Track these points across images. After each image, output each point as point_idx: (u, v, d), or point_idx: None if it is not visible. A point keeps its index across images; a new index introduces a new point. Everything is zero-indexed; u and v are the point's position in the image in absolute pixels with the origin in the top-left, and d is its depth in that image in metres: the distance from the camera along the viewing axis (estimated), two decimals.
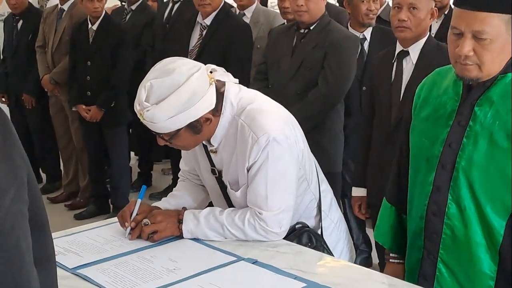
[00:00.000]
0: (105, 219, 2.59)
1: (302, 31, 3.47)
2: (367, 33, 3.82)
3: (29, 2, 5.53)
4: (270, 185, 1.98)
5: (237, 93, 2.04)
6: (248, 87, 2.18)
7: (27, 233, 0.97)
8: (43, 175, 5.86)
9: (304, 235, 2.11)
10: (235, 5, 4.82)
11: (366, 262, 3.97)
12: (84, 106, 4.83)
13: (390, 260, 2.13)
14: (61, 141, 5.45)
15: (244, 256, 1.91)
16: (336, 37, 3.39)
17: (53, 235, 1.14)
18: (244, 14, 4.63)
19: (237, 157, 2.02)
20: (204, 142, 2.08)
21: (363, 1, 3.77)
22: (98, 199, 5.18)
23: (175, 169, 5.19)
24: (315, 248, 2.08)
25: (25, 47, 5.39)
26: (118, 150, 5.04)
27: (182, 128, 1.93)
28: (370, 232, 3.60)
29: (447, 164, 1.84)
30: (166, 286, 1.73)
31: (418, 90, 2.05)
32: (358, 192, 3.05)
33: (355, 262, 2.37)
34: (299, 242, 2.08)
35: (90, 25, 4.83)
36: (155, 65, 1.95)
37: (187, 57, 3.90)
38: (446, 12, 4.40)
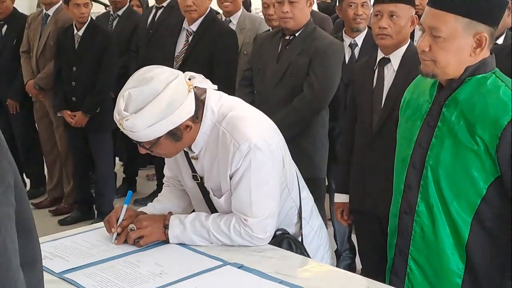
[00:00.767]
0: (89, 224, 2.59)
1: (287, 37, 3.49)
2: (359, 38, 3.83)
3: (13, 7, 5.51)
4: (254, 192, 1.99)
5: (218, 100, 2.05)
6: (234, 93, 2.19)
7: (14, 236, 0.97)
8: (27, 181, 5.83)
9: (284, 241, 2.12)
10: (221, 11, 4.83)
11: (349, 268, 3.98)
12: (69, 112, 4.82)
13: None
14: (46, 146, 5.43)
15: (230, 260, 1.92)
16: (321, 43, 3.41)
17: (39, 240, 1.14)
18: (230, 21, 4.64)
19: (219, 164, 2.03)
20: (185, 149, 2.09)
21: (351, 6, 3.80)
22: (83, 205, 5.16)
23: (160, 175, 5.18)
24: None
25: (9, 52, 5.37)
26: (103, 155, 5.03)
27: (162, 136, 1.93)
28: (354, 238, 3.62)
29: (417, 164, 1.91)
30: None
31: (405, 93, 2.12)
32: (340, 198, 3.07)
33: (338, 268, 2.39)
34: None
35: (75, 31, 4.83)
36: (133, 74, 1.96)
37: (172, 62, 3.92)
38: None
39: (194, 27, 3.99)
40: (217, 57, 3.88)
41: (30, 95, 5.23)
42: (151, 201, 2.32)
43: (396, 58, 2.81)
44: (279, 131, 2.16)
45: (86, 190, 5.21)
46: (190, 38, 4.00)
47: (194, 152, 2.08)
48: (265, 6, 4.37)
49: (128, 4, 5.69)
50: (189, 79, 1.99)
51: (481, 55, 1.82)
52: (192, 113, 1.95)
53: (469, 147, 1.78)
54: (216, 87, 2.08)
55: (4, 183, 0.96)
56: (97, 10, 6.14)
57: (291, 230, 2.21)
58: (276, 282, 1.77)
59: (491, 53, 1.86)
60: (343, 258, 4.07)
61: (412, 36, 4.29)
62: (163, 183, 2.40)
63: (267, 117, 2.16)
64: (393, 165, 2.08)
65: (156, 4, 5.11)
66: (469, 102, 1.81)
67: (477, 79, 1.82)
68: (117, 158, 5.91)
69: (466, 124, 1.80)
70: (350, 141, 3.00)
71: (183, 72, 2.01)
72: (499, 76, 1.84)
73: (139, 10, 6.08)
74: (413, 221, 1.92)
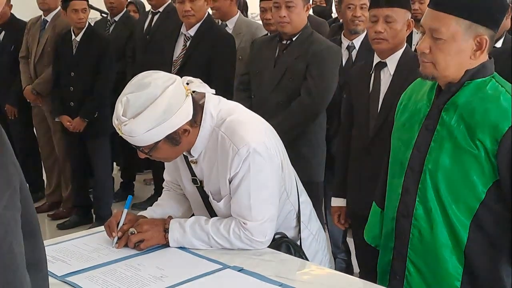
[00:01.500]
0: (87, 229, 2.59)
1: (284, 42, 3.50)
2: (357, 41, 3.81)
3: (11, 13, 5.53)
4: (253, 196, 2.01)
5: (217, 104, 2.07)
6: (232, 97, 2.21)
7: (20, 239, 0.98)
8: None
9: (283, 245, 2.13)
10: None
11: (346, 271, 3.98)
12: (67, 117, 4.83)
13: None
14: (44, 151, 5.44)
15: (230, 264, 1.93)
16: (319, 48, 3.42)
17: None
18: (227, 25, 4.66)
19: (218, 168, 2.05)
20: (184, 153, 2.11)
21: (349, 8, 3.79)
22: (81, 209, 5.17)
23: (157, 179, 5.20)
24: None
25: (7, 58, 5.39)
26: (101, 160, 5.04)
27: (160, 140, 1.95)
28: (350, 241, 3.63)
29: (415, 167, 1.91)
30: None
31: (401, 97, 2.12)
32: (337, 202, 3.07)
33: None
34: None
35: (73, 36, 4.84)
36: (131, 79, 1.98)
37: (170, 67, 3.94)
38: None
39: (192, 32, 4.00)
40: (215, 61, 3.90)
41: (28, 100, 5.24)
42: (149, 206, 2.34)
43: (392, 62, 2.81)
44: (277, 135, 2.18)
45: (85, 194, 5.22)
46: (188, 43, 4.01)
47: (194, 156, 2.10)
48: (263, 11, 4.37)
49: (125, 9, 5.71)
50: (187, 84, 2.01)
51: (481, 58, 1.82)
52: (190, 117, 1.97)
53: (469, 151, 1.79)
54: (214, 91, 2.09)
55: (10, 187, 0.97)
56: (94, 16, 6.15)
57: (290, 233, 2.23)
58: (276, 285, 1.78)
59: (489, 57, 1.87)
60: (338, 261, 4.07)
61: (410, 40, 4.30)
62: (163, 188, 2.41)
63: (265, 121, 2.18)
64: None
65: (152, 10, 5.12)
66: (468, 106, 1.81)
67: (477, 83, 1.83)
68: (114, 163, 5.91)
69: (466, 128, 1.80)
70: (347, 145, 3.01)
71: (181, 76, 2.03)
72: (499, 80, 1.84)
73: (136, 15, 6.08)
74: (411, 224, 1.92)
